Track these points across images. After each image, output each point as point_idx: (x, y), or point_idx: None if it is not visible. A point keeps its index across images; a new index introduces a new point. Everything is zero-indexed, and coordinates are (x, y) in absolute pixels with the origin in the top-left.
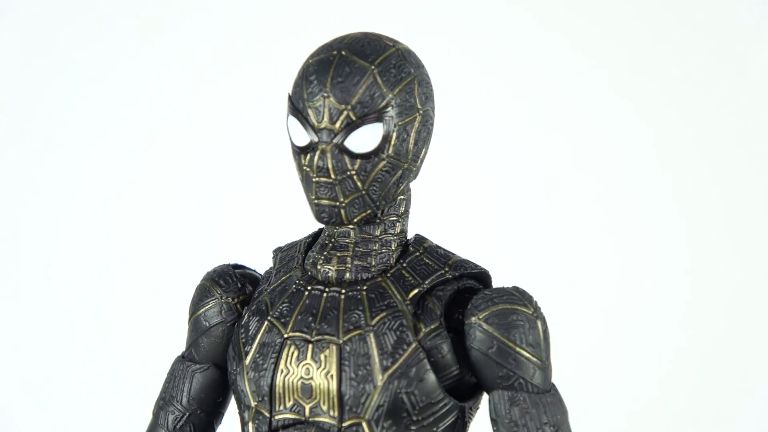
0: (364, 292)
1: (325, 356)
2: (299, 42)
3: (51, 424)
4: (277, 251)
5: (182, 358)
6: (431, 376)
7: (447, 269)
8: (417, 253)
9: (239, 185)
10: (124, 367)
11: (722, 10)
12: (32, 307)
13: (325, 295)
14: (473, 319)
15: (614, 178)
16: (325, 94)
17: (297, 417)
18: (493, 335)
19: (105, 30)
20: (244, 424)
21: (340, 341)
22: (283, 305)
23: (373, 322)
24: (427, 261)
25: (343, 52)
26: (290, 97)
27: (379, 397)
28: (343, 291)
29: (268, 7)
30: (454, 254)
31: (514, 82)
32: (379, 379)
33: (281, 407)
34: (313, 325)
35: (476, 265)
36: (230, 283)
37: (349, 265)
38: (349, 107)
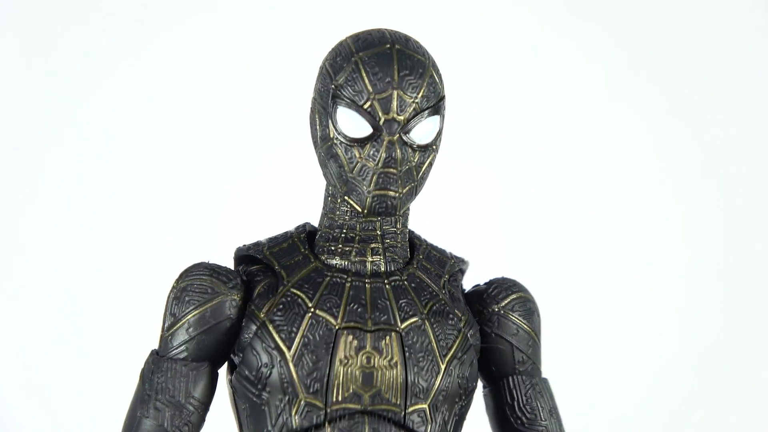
0: (405, 282)
1: (386, 344)
2: (300, 43)
3: (51, 424)
4: (256, 250)
5: (176, 359)
6: (475, 361)
7: (452, 260)
8: (423, 246)
9: (239, 185)
10: (124, 368)
11: (724, 9)
12: (32, 308)
13: (368, 286)
14: (495, 307)
15: (613, 177)
16: (395, 86)
17: (355, 407)
18: (517, 322)
19: (105, 31)
20: (277, 417)
21: (400, 329)
22: (325, 297)
23: (425, 310)
24: (434, 253)
25: (397, 46)
26: (340, 90)
27: (441, 381)
28: (386, 281)
29: (269, 8)
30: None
31: (514, 82)
32: (442, 364)
33: (338, 398)
34: (366, 315)
35: (461, 257)
36: (232, 280)
37: (382, 257)
38: (417, 99)
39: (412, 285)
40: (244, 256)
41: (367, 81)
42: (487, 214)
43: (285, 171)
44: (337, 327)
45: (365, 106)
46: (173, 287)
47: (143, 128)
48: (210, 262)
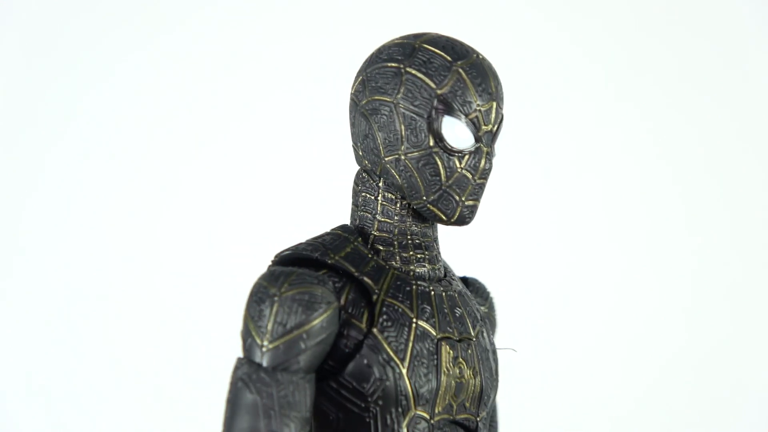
0: (459, 289)
1: (470, 354)
2: (300, 45)
3: (52, 424)
4: (323, 254)
5: (293, 370)
6: None
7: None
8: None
9: (239, 186)
10: (124, 368)
11: (725, 10)
12: (33, 308)
13: (443, 294)
14: (483, 308)
15: (617, 177)
16: (494, 99)
17: (447, 417)
18: (496, 322)
19: (106, 31)
20: (384, 428)
21: (474, 338)
22: (420, 307)
23: (479, 317)
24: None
25: (482, 57)
26: (445, 99)
27: (497, 388)
28: (450, 289)
29: (270, 9)
30: None
31: (516, 82)
32: (496, 372)
33: (439, 409)
34: (452, 324)
35: None
36: (332, 289)
37: (439, 264)
38: (502, 111)
39: (461, 292)
40: (297, 259)
41: (474, 92)
42: (492, 215)
43: (286, 171)
44: (437, 338)
45: (471, 117)
46: (274, 294)
47: (142, 130)
48: (294, 268)
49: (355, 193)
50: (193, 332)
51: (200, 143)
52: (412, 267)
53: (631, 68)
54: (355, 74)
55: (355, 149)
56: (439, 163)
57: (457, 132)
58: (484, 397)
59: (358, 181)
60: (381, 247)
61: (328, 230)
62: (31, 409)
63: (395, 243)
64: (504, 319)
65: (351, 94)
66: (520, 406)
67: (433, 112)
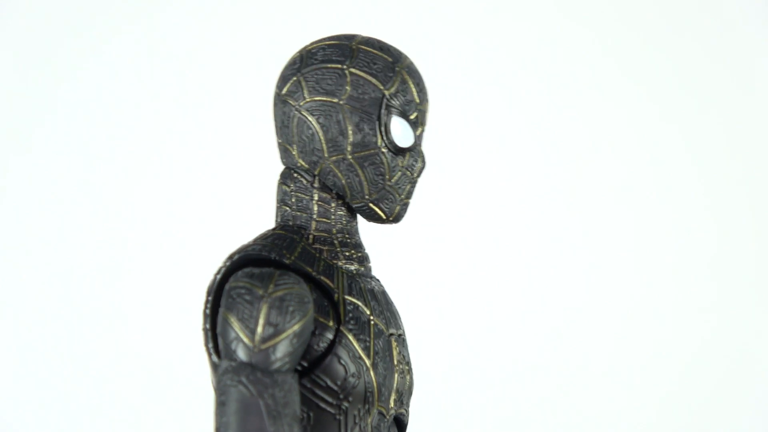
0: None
1: (405, 349)
2: (299, 43)
3: (52, 425)
4: (279, 254)
5: (284, 371)
6: None
7: None
8: None
9: (240, 184)
10: (125, 368)
11: (723, 15)
12: (33, 308)
13: (376, 290)
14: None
15: (634, 177)
16: (427, 99)
17: (394, 412)
18: None
19: (107, 30)
20: (354, 426)
21: (403, 333)
22: (371, 304)
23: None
24: None
25: (409, 58)
26: (392, 99)
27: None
28: (377, 285)
29: (270, 9)
30: None
31: (517, 83)
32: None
33: (391, 404)
34: (391, 320)
35: None
36: (307, 289)
37: (368, 262)
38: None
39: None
40: (253, 260)
41: (415, 93)
42: (502, 217)
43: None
44: (387, 334)
45: (412, 117)
46: (262, 295)
47: (142, 129)
48: (272, 269)
49: (285, 193)
50: (193, 332)
51: (201, 143)
52: (354, 265)
53: (648, 61)
54: (279, 76)
55: (285, 149)
56: (386, 162)
57: (402, 132)
58: (410, 390)
59: (288, 180)
60: (322, 247)
61: (268, 231)
62: (30, 409)
63: (335, 242)
64: (513, 325)
65: (280, 94)
66: (528, 411)
67: (383, 112)
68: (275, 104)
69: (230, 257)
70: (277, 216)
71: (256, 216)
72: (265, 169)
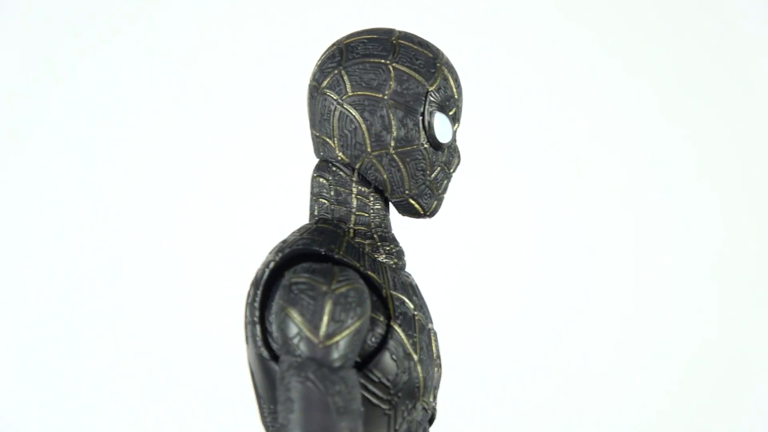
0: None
1: (439, 344)
2: (299, 42)
3: (52, 425)
4: (328, 249)
5: (349, 367)
6: None
7: None
8: None
9: (240, 184)
10: (124, 368)
11: (723, 14)
12: (33, 307)
13: (413, 283)
14: None
15: (635, 177)
16: (462, 96)
17: (432, 405)
18: None
19: (107, 30)
20: (402, 422)
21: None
22: (413, 298)
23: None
24: None
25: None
26: (434, 95)
27: None
28: (412, 279)
29: (270, 9)
30: None
31: (517, 83)
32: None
33: (431, 398)
34: (428, 314)
35: None
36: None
37: (402, 256)
38: None
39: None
40: (302, 255)
41: (454, 89)
42: (501, 218)
43: (281, 168)
44: (428, 329)
45: (451, 113)
46: (326, 291)
47: (140, 129)
48: (329, 264)
49: (323, 186)
50: (193, 332)
51: (201, 141)
52: (393, 260)
53: (650, 61)
54: (316, 69)
55: (323, 142)
56: (426, 158)
57: (443, 128)
58: (439, 385)
59: (326, 173)
60: (363, 241)
61: (309, 224)
62: (30, 410)
63: (375, 236)
64: (513, 325)
65: (319, 88)
66: (528, 411)
67: (426, 108)
68: (312, 97)
69: (279, 251)
70: (312, 209)
71: (256, 216)
72: (264, 169)
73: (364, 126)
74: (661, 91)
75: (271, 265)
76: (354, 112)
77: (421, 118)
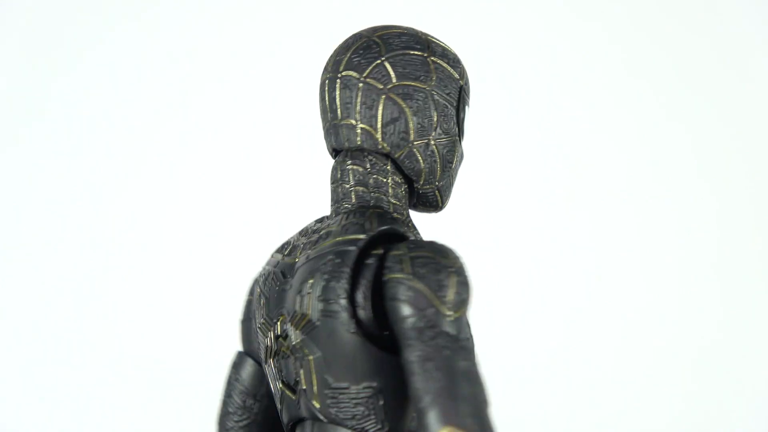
0: None
1: None
2: (300, 41)
3: (52, 424)
4: (405, 231)
5: (471, 339)
6: None
7: None
8: None
9: (240, 184)
10: (123, 369)
11: (724, 13)
12: (32, 307)
13: None
14: None
15: (637, 178)
16: None
17: None
18: None
19: (107, 30)
20: None
21: None
22: None
23: None
24: None
25: None
26: (466, 90)
27: None
28: None
29: (270, 8)
30: None
31: (516, 82)
32: None
33: None
34: None
35: None
36: None
37: None
38: None
39: None
40: (385, 235)
41: (470, 87)
42: (501, 219)
43: (280, 167)
44: None
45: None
46: (450, 266)
47: (139, 129)
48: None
49: (362, 174)
50: (193, 332)
51: (198, 140)
52: None
53: (652, 62)
54: (348, 61)
55: (365, 131)
56: (456, 150)
57: (466, 122)
58: None
59: (364, 162)
60: (405, 228)
61: (363, 210)
62: (30, 409)
63: (409, 225)
64: (514, 327)
65: (362, 78)
66: (527, 410)
67: (460, 102)
68: (347, 87)
69: (370, 230)
70: (349, 198)
71: (256, 216)
72: (265, 169)
73: (410, 115)
74: (663, 91)
75: (361, 243)
76: (400, 101)
77: (456, 110)
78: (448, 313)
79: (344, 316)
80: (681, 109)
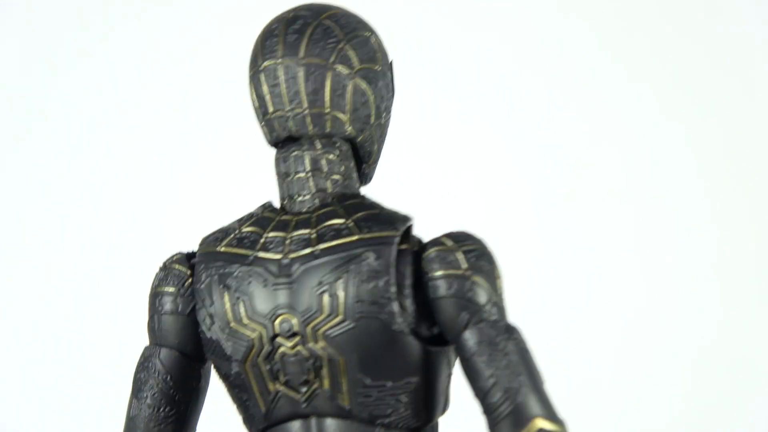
0: None
1: None
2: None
3: (52, 424)
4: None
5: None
6: None
7: None
8: None
9: (240, 183)
10: (123, 369)
11: (725, 15)
12: (32, 308)
13: None
14: None
15: (636, 178)
16: None
17: None
18: None
19: (102, 29)
20: None
21: None
22: None
23: None
24: None
25: None
26: (392, 64)
27: None
28: None
29: (269, 8)
30: None
31: (519, 79)
32: None
33: None
34: None
35: None
36: None
37: None
38: None
39: None
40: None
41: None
42: (500, 219)
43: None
44: None
45: None
46: (492, 257)
47: (141, 131)
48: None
49: (334, 163)
50: None
51: (196, 139)
52: None
53: (651, 63)
54: (316, 49)
55: (335, 118)
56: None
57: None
58: None
59: (333, 149)
60: None
61: (363, 199)
62: (30, 410)
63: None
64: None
65: (328, 64)
66: None
67: (392, 78)
68: (315, 75)
69: (394, 228)
70: (324, 188)
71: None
72: (265, 169)
73: (372, 98)
74: (664, 92)
75: (396, 240)
76: (364, 85)
77: (392, 87)
78: (503, 305)
79: (390, 315)
80: (681, 110)
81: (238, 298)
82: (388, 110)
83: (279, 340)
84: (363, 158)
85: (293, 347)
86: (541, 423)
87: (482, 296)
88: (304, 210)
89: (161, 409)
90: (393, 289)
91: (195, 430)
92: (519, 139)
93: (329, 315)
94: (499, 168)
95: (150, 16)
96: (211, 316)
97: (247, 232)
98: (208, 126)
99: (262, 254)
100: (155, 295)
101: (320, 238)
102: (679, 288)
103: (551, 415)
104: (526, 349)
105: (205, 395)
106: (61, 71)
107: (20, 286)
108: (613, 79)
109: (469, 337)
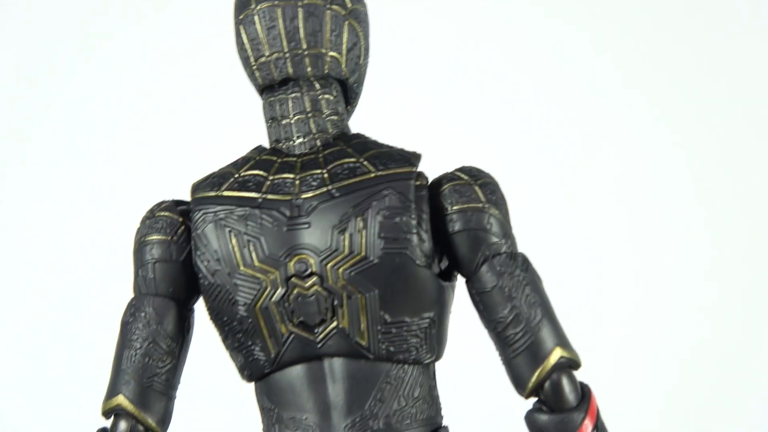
0: None
1: None
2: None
3: (52, 424)
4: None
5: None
6: None
7: None
8: None
9: None
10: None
11: (740, 6)
12: (32, 308)
13: None
14: None
15: (631, 173)
16: None
17: None
18: None
19: (103, 30)
20: None
21: None
22: None
23: None
24: None
25: None
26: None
27: None
28: None
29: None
30: None
31: (531, 75)
32: None
33: None
34: None
35: None
36: None
37: None
38: None
39: None
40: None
41: None
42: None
43: None
44: None
45: None
46: (501, 190)
47: (141, 131)
48: None
49: (332, 103)
50: (194, 332)
51: (194, 139)
52: None
53: (646, 62)
54: None
55: (334, 59)
56: None
57: None
58: None
59: (331, 89)
60: None
61: (368, 138)
62: (30, 409)
63: None
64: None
65: (326, 5)
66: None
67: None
68: (315, 15)
69: (410, 164)
70: (325, 128)
71: None
72: None
73: (362, 38)
74: (663, 92)
75: (413, 176)
76: (357, 26)
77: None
78: (514, 236)
79: (413, 250)
80: (679, 112)
81: (248, 241)
82: (368, 51)
83: (294, 281)
84: (349, 99)
85: (309, 287)
86: (560, 352)
87: (499, 229)
88: (306, 151)
89: (156, 359)
90: (414, 223)
91: (180, 380)
92: (519, 139)
93: (350, 253)
94: (498, 168)
95: (150, 17)
96: (216, 261)
97: (249, 175)
98: (208, 126)
99: (271, 196)
100: (143, 245)
101: (334, 177)
102: (676, 287)
103: (567, 342)
104: (540, 278)
105: (189, 345)
106: (61, 73)
107: (20, 286)
108: (612, 82)
109: (488, 270)
